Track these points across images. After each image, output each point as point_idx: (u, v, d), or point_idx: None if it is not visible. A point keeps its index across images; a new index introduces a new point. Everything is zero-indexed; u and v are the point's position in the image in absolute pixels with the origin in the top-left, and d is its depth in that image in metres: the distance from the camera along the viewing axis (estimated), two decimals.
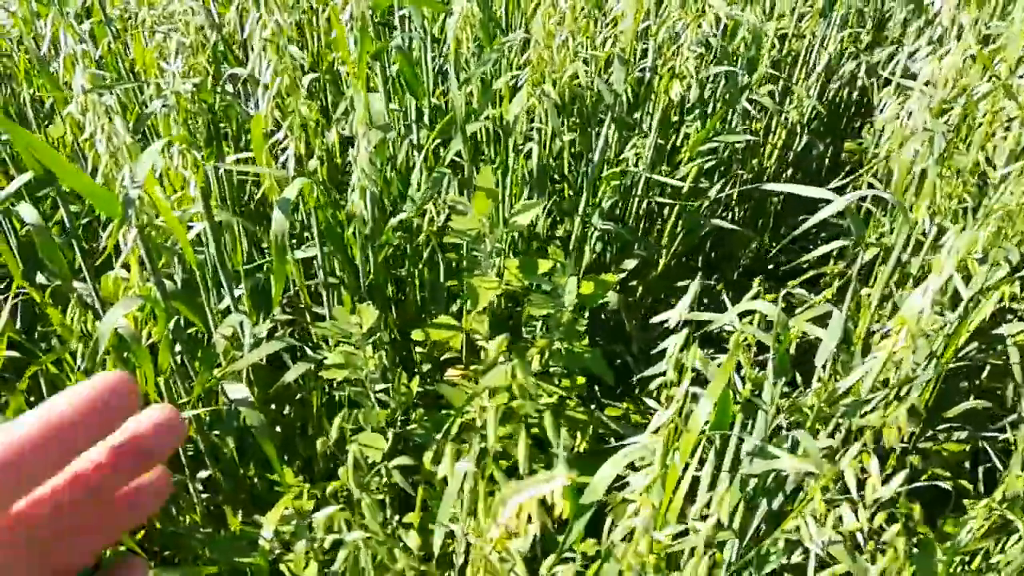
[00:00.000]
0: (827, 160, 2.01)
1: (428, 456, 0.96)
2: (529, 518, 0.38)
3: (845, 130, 2.12)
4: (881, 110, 1.55)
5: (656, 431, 0.70)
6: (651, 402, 0.73)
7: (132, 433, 0.22)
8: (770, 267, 1.92)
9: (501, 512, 0.33)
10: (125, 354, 0.94)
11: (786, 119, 1.62)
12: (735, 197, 1.73)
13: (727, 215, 1.70)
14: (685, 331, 0.60)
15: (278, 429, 1.12)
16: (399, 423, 0.99)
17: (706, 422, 0.72)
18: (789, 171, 1.80)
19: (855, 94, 1.94)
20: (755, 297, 0.83)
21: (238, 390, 0.86)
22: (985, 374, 1.54)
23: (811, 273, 1.51)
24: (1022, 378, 1.16)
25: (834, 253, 1.68)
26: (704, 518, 0.71)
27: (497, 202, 0.93)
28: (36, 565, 0.21)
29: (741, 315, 0.90)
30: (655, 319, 0.63)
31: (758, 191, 1.75)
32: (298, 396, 1.20)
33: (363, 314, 0.86)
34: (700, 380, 0.74)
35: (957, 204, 1.14)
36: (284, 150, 0.84)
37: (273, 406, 1.20)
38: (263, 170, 0.84)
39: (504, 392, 1.04)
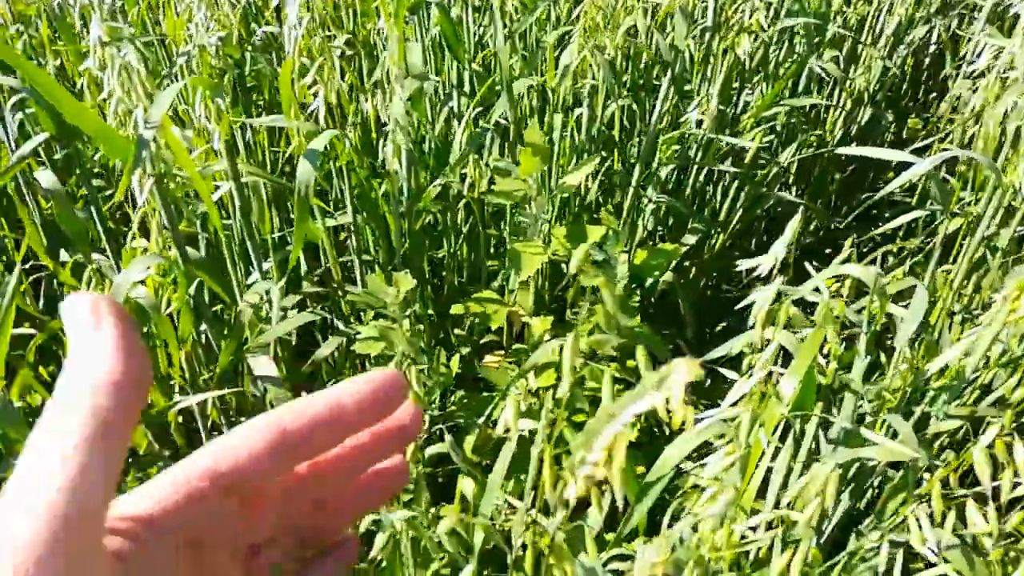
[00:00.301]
0: (890, 136, 1.88)
1: (469, 442, 0.88)
2: (603, 486, 0.29)
3: (908, 105, 1.99)
4: (963, 65, 1.41)
5: (735, 404, 0.61)
6: (727, 372, 0.64)
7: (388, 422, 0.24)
8: (828, 250, 1.80)
9: (587, 454, 0.25)
10: (145, 328, 0.87)
11: (852, 87, 1.50)
12: (794, 173, 1.62)
13: (786, 192, 1.59)
14: (779, 280, 0.50)
15: None
16: (437, 406, 0.91)
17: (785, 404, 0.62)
18: (852, 145, 1.68)
19: (925, 63, 1.82)
20: (846, 260, 0.73)
21: (264, 365, 0.78)
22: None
23: (880, 251, 1.39)
24: None
25: (900, 232, 1.56)
26: (782, 507, 0.62)
27: (545, 162, 0.84)
28: (296, 527, 0.24)
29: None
30: (742, 265, 0.54)
31: (820, 166, 1.63)
32: (330, 382, 1.13)
33: (399, 282, 0.78)
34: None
35: None
36: (315, 97, 0.76)
37: (303, 394, 1.13)
38: (291, 123, 0.76)
39: (551, 372, 0.95)
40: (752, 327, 0.81)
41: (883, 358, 1.07)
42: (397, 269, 0.98)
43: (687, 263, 1.46)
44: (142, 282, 0.85)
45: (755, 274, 0.56)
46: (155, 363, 0.88)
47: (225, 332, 0.85)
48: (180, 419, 0.95)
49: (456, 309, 0.97)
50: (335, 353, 0.96)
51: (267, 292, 0.84)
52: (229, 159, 0.77)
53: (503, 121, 1.04)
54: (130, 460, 0.96)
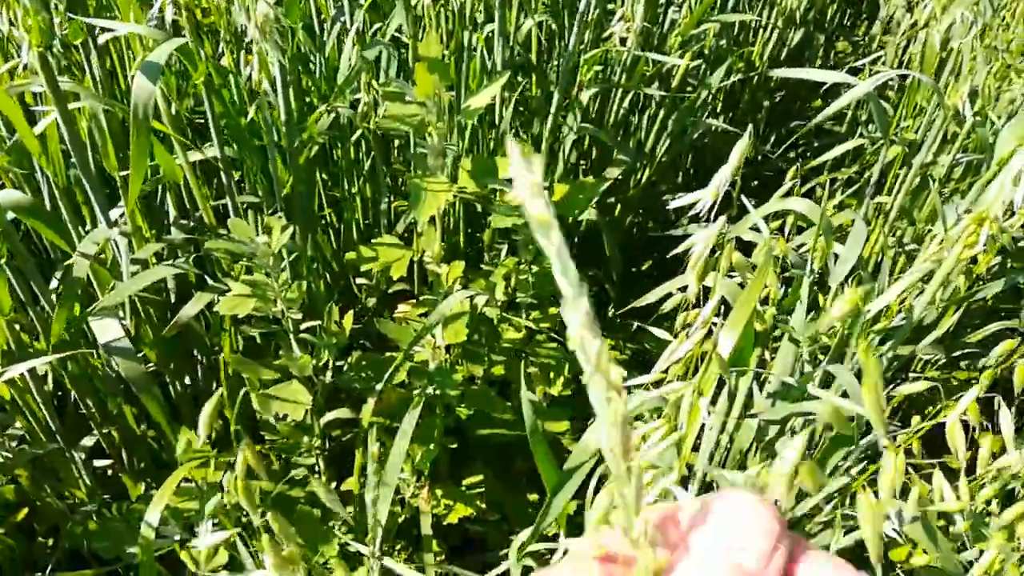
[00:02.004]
0: (819, 60, 1.81)
1: (368, 409, 0.77)
2: None
3: (836, 28, 1.92)
4: None
5: (666, 370, 0.51)
6: (658, 331, 0.54)
7: None
8: (755, 182, 1.74)
9: None
10: None
11: (784, 4, 1.41)
12: (721, 101, 1.53)
13: (715, 120, 1.50)
14: (720, 221, 0.40)
15: (187, 381, 0.91)
16: (332, 370, 0.79)
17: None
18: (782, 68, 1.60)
19: None
20: (788, 194, 0.64)
21: (110, 329, 0.65)
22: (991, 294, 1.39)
23: (812, 183, 1.33)
24: None
25: (828, 164, 1.51)
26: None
27: (447, 81, 0.72)
28: None
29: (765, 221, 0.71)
30: (674, 203, 0.43)
31: (749, 92, 1.55)
32: (214, 345, 0.99)
33: (272, 227, 0.65)
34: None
35: (1001, 87, 0.95)
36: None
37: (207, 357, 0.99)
38: (126, 27, 0.61)
39: (461, 325, 0.84)
40: (684, 271, 0.72)
41: (820, 299, 1.00)
42: (277, 211, 0.84)
43: (611, 199, 1.36)
44: None
45: (691, 212, 0.46)
46: None
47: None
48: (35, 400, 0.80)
49: (349, 256, 0.85)
50: (206, 314, 0.83)
51: (113, 242, 0.70)
52: (46, 75, 0.61)
53: (400, 36, 0.90)
54: None
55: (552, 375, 1.01)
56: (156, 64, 0.59)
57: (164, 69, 0.75)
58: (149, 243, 0.77)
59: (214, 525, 0.65)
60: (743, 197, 0.66)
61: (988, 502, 0.46)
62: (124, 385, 0.79)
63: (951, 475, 0.51)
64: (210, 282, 0.75)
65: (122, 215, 0.81)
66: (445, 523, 0.91)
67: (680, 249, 0.44)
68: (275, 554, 0.37)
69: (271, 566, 0.40)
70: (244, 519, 0.67)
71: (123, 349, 0.65)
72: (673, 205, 0.42)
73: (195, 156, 0.79)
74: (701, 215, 0.44)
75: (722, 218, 0.40)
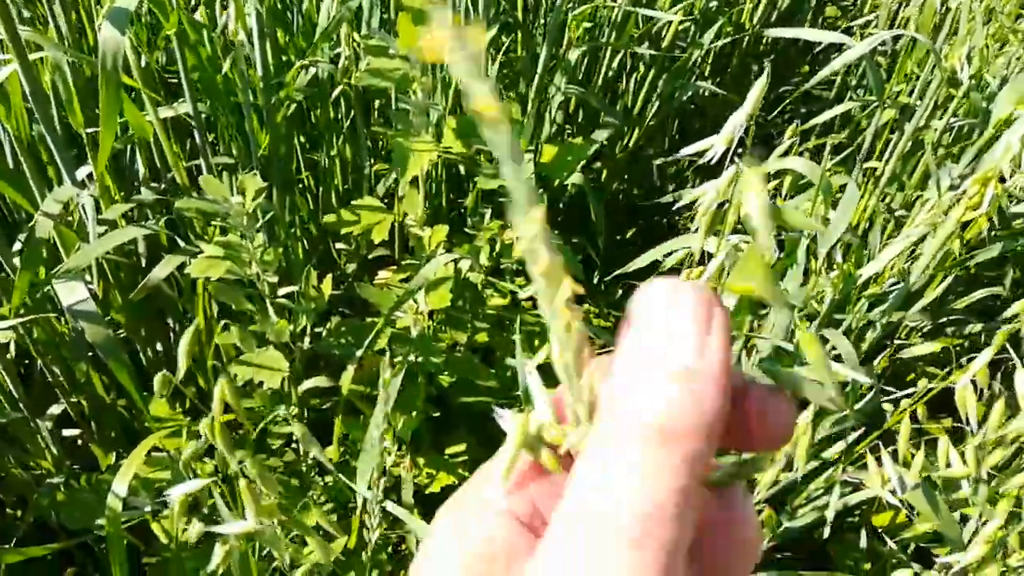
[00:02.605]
0: (807, 24, 1.79)
1: (347, 376, 0.74)
2: None
3: None
4: None
5: None
6: None
7: None
8: (740, 150, 1.71)
9: None
10: None
11: None
12: (710, 64, 1.50)
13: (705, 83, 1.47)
14: (731, 169, 0.38)
15: (159, 348, 0.88)
16: (310, 336, 0.76)
17: None
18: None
19: None
20: (786, 153, 0.62)
21: (75, 292, 0.61)
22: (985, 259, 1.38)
23: (800, 149, 1.31)
24: None
25: (817, 129, 1.49)
26: None
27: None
28: None
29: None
30: (685, 150, 0.41)
31: (739, 56, 1.52)
32: (187, 311, 0.95)
33: (246, 185, 0.61)
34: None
35: (996, 49, 0.93)
36: None
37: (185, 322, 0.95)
38: None
39: (445, 290, 0.81)
40: (670, 239, 0.69)
41: (812, 263, 0.99)
42: (256, 173, 0.80)
43: (597, 164, 1.33)
44: None
45: (693, 166, 0.44)
46: None
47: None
48: None
49: (329, 219, 0.81)
50: (179, 279, 0.79)
51: (79, 201, 0.66)
52: (4, 21, 0.57)
53: None
54: None
55: (536, 342, 0.99)
56: (125, 10, 0.55)
57: (133, 17, 0.71)
58: (117, 203, 0.73)
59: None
60: (736, 159, 0.63)
61: (996, 468, 0.44)
62: (92, 352, 0.76)
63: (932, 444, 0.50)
64: (183, 245, 0.71)
65: (89, 175, 0.77)
66: (427, 492, 0.89)
67: (686, 200, 0.42)
68: (254, 500, 0.35)
69: (250, 513, 0.38)
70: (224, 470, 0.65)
71: (89, 313, 0.61)
72: (684, 152, 0.39)
73: (166, 112, 0.76)
74: (707, 163, 0.42)
75: (732, 167, 0.38)
